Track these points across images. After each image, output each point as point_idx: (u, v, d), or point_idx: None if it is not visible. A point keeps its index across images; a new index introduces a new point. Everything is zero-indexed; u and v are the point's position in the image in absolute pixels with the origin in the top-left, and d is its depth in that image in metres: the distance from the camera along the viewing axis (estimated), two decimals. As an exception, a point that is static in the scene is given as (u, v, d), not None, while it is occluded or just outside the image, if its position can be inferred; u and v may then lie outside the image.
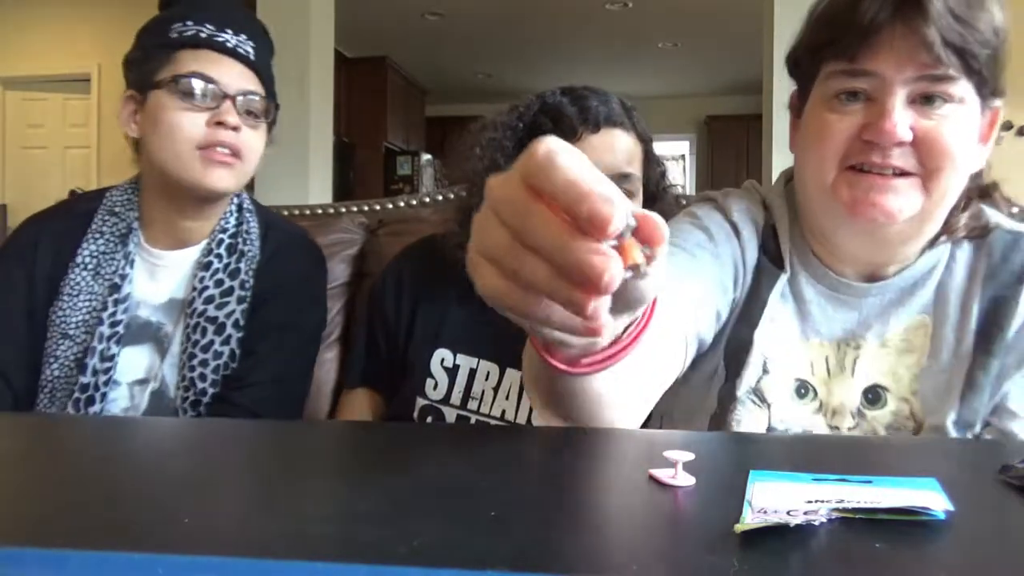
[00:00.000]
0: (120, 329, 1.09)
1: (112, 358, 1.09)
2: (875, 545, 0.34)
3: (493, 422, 1.14)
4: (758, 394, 0.85)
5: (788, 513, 0.36)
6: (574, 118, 1.08)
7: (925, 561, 0.34)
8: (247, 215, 1.19)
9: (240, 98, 1.09)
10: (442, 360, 1.15)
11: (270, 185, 4.06)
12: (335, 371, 1.42)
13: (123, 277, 1.10)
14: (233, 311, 1.11)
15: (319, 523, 0.38)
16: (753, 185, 0.97)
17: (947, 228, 0.84)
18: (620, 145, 1.09)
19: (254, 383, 1.11)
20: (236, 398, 1.09)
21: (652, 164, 1.17)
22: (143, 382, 1.12)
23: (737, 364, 0.85)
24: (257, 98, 1.12)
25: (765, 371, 0.85)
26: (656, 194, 1.17)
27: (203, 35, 1.09)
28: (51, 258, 1.12)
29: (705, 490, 0.43)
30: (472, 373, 1.15)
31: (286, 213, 1.77)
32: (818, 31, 0.82)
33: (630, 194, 1.10)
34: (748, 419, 0.84)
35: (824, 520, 0.36)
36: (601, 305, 0.37)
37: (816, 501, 0.38)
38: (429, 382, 1.15)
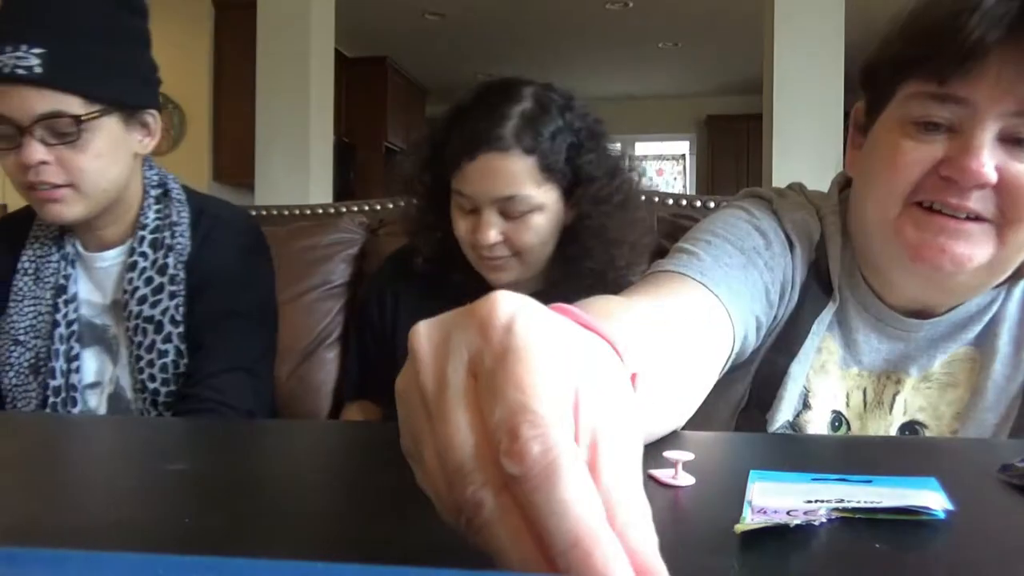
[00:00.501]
0: (76, 328, 1.09)
1: (78, 357, 1.08)
2: (875, 545, 0.34)
3: None
4: (796, 429, 0.78)
5: (788, 513, 0.36)
6: (458, 146, 1.07)
7: (925, 561, 0.34)
8: (176, 206, 1.12)
9: (38, 127, 0.96)
10: None
11: (270, 185, 4.07)
12: (335, 370, 1.43)
13: (67, 277, 1.09)
14: (167, 308, 1.08)
15: (319, 523, 0.38)
16: (802, 190, 0.88)
17: (1016, 275, 0.75)
18: (498, 168, 1.05)
19: (210, 374, 1.08)
20: (199, 392, 1.07)
21: (565, 176, 1.09)
22: (95, 385, 1.11)
23: (768, 395, 0.78)
24: (62, 118, 0.97)
25: (806, 406, 0.79)
26: (610, 197, 1.11)
27: None
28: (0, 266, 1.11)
29: (705, 490, 0.43)
30: None
31: (286, 213, 1.77)
32: (907, 43, 0.70)
33: (522, 212, 1.07)
34: None
35: (824, 520, 0.36)
36: None
37: (816, 501, 0.38)
38: None
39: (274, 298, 1.22)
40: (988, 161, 0.65)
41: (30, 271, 1.10)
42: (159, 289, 1.08)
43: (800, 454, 0.57)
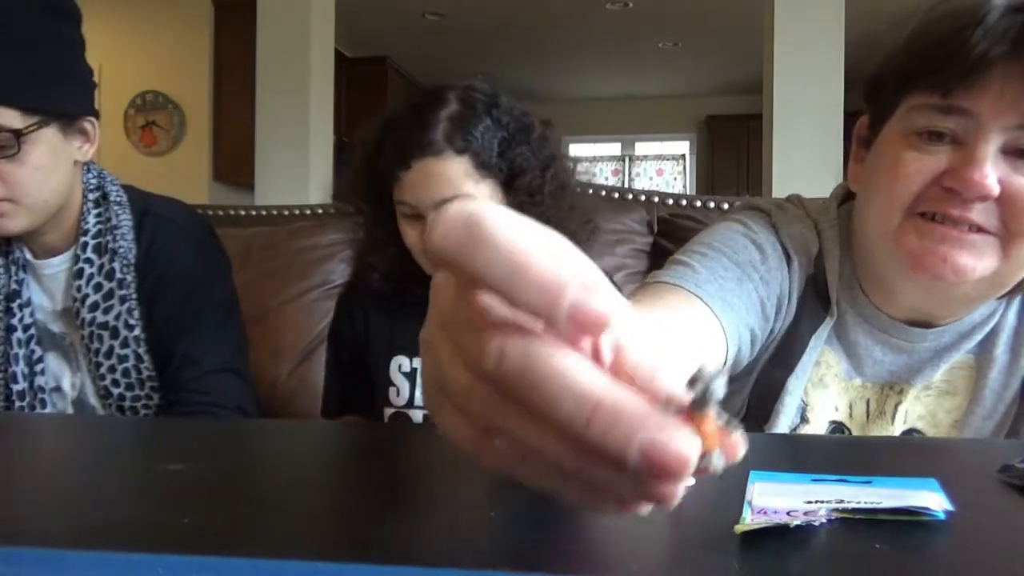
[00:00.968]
0: (34, 331, 1.08)
1: (41, 359, 1.08)
2: (875, 545, 0.34)
3: None
4: None
5: (788, 513, 0.36)
6: (392, 157, 1.07)
7: (925, 561, 0.34)
8: (115, 209, 1.10)
9: None
10: (400, 366, 1.17)
11: (270, 185, 4.07)
12: (335, 371, 1.43)
13: (20, 283, 1.08)
14: (120, 312, 1.07)
15: (319, 523, 0.38)
16: (801, 202, 0.87)
17: (1017, 288, 0.75)
18: (434, 172, 1.05)
19: (193, 378, 1.07)
20: (186, 398, 1.07)
21: (503, 172, 1.10)
22: (57, 389, 1.11)
23: (765, 408, 0.78)
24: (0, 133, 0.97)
25: (804, 419, 0.79)
26: (542, 187, 1.11)
27: None
28: None
29: (705, 490, 0.42)
30: None
31: (286, 213, 1.78)
32: (911, 57, 0.70)
33: None
34: None
35: (824, 520, 0.36)
36: (678, 489, 0.25)
37: (816, 501, 0.38)
38: (392, 390, 1.17)
39: (235, 290, 1.20)
40: (991, 173, 0.65)
41: None
42: (110, 295, 1.07)
43: (800, 455, 0.57)
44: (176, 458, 0.54)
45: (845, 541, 0.35)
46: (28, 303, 1.09)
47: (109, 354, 1.07)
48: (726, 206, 1.59)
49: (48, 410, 1.08)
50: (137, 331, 1.07)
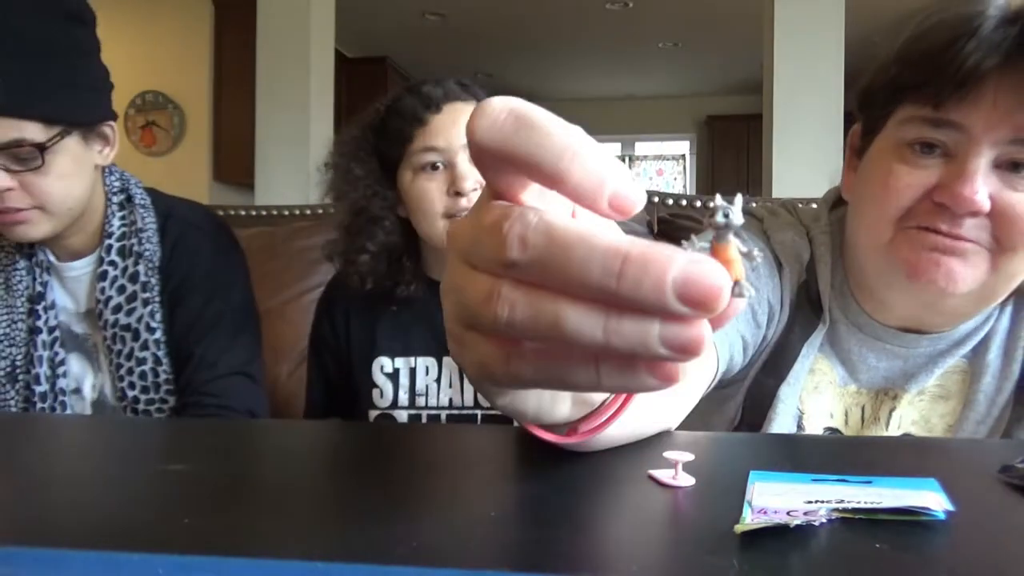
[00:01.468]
0: (58, 334, 1.09)
1: (63, 362, 1.08)
2: (875, 545, 0.34)
3: (444, 413, 1.17)
4: None
5: (788, 513, 0.36)
6: (417, 107, 1.10)
7: (925, 561, 0.34)
8: (140, 212, 1.11)
9: (0, 156, 0.97)
10: (382, 367, 1.18)
11: (270, 185, 4.08)
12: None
13: (44, 285, 1.09)
14: (142, 315, 1.08)
15: (319, 523, 0.38)
16: (793, 209, 0.87)
17: (1012, 294, 0.75)
18: (464, 117, 1.08)
19: (207, 381, 1.08)
20: (199, 400, 1.07)
21: None
22: (76, 391, 1.11)
23: (758, 416, 0.78)
24: (19, 146, 0.97)
25: (799, 427, 0.79)
26: None
27: None
28: None
29: (705, 490, 0.42)
30: (412, 372, 1.17)
31: (286, 213, 1.78)
32: (904, 67, 0.69)
33: None
34: None
35: (824, 520, 0.36)
36: (705, 333, 0.25)
37: (816, 501, 0.38)
38: (375, 392, 1.17)
39: (253, 295, 1.21)
40: (982, 188, 0.64)
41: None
42: (132, 297, 1.08)
43: (800, 455, 0.57)
44: (177, 458, 0.54)
45: (845, 541, 0.35)
46: (52, 305, 1.09)
47: (130, 356, 1.08)
48: (726, 206, 1.59)
49: (68, 411, 1.08)
50: (158, 334, 1.08)
